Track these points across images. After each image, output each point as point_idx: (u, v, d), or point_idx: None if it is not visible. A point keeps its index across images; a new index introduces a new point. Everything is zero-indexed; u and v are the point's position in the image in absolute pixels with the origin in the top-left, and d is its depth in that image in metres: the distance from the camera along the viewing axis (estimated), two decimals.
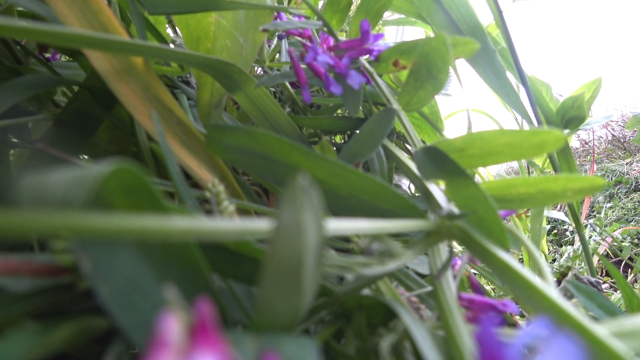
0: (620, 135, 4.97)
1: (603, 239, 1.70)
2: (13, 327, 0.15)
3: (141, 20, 0.35)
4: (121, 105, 0.42)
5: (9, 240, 0.30)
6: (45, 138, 0.39)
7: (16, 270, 0.16)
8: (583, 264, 1.55)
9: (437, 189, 0.29)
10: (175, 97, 0.46)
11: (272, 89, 0.59)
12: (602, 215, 2.52)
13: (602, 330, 0.18)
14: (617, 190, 3.30)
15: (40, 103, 0.44)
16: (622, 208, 2.93)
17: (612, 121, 4.89)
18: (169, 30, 0.60)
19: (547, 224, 2.69)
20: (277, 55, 0.59)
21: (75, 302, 0.17)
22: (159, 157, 0.36)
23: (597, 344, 0.17)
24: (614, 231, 2.14)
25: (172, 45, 0.52)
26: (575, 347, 0.13)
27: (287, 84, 0.52)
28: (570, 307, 0.18)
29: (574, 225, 0.67)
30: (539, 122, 0.53)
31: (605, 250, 1.81)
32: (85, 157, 0.49)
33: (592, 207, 3.15)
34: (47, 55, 0.53)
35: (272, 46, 0.59)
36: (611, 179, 3.46)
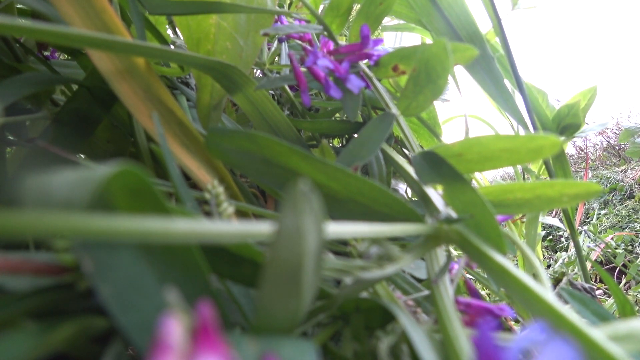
0: (615, 142, 5.01)
1: (597, 245, 1.71)
2: (13, 326, 0.15)
3: (141, 20, 0.35)
4: (120, 105, 0.42)
5: (3, 239, 0.30)
6: (43, 136, 0.39)
7: (16, 268, 0.16)
8: (577, 270, 1.56)
9: (435, 194, 0.29)
10: (175, 98, 0.46)
11: (272, 92, 0.60)
12: (594, 221, 2.54)
13: (598, 333, 0.18)
14: (612, 197, 3.33)
15: (39, 101, 0.44)
16: (617, 215, 2.95)
17: (608, 129, 4.94)
18: (169, 31, 0.61)
19: (542, 230, 2.70)
20: (277, 58, 0.59)
21: (75, 301, 0.17)
22: (157, 157, 0.37)
23: (594, 347, 0.18)
24: (606, 237, 2.15)
25: (172, 46, 0.52)
26: (572, 351, 0.13)
27: (287, 87, 0.52)
28: (566, 310, 0.19)
29: (568, 231, 0.67)
30: (535, 129, 0.54)
31: (599, 256, 1.83)
32: (83, 156, 0.49)
33: (587, 214, 3.17)
34: (46, 53, 0.53)
35: (272, 49, 0.60)
36: (606, 185, 3.48)
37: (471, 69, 0.47)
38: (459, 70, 0.51)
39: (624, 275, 1.86)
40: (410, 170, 0.34)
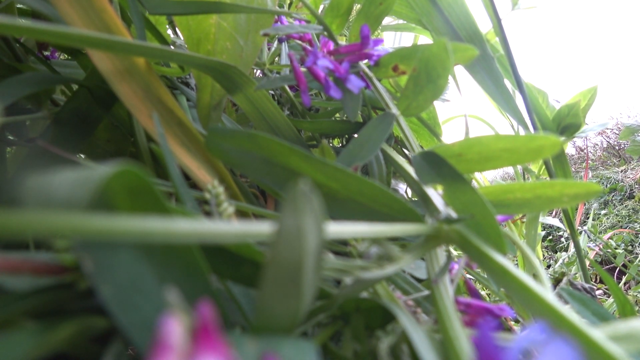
0: (616, 143, 5.02)
1: (597, 245, 1.72)
2: (13, 326, 0.15)
3: (141, 20, 0.35)
4: (120, 105, 0.42)
5: (3, 239, 0.30)
6: (43, 136, 0.39)
7: (16, 268, 0.16)
8: (574, 269, 1.56)
9: (435, 194, 0.29)
10: (175, 98, 0.46)
11: (272, 92, 0.60)
12: (591, 220, 2.54)
13: (598, 333, 0.18)
14: (612, 197, 3.33)
15: (39, 101, 0.44)
16: (617, 215, 2.96)
17: (608, 129, 4.94)
18: (169, 31, 0.61)
19: (542, 230, 2.70)
20: (277, 58, 0.59)
21: (75, 301, 0.17)
22: (157, 157, 0.37)
23: (594, 347, 0.18)
24: (605, 236, 2.16)
25: (172, 46, 0.52)
26: (572, 351, 0.13)
27: (287, 87, 0.52)
28: (567, 310, 0.19)
29: (568, 231, 0.67)
30: (535, 129, 0.54)
31: (597, 256, 1.83)
32: (83, 156, 0.49)
33: (587, 214, 3.18)
34: (46, 53, 0.53)
35: (272, 49, 0.60)
36: (606, 186, 3.48)
37: (471, 69, 0.47)
38: (459, 70, 0.51)
39: (624, 275, 1.86)
40: (410, 170, 0.34)
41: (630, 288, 1.75)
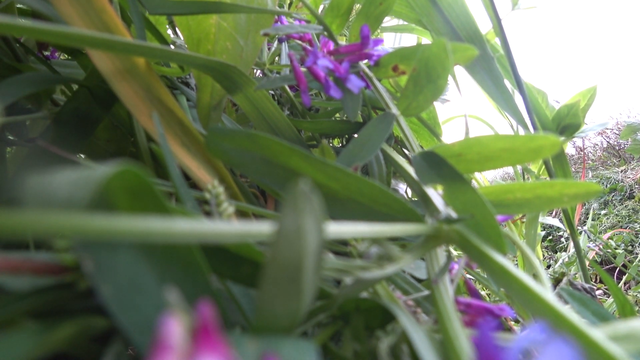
0: (615, 143, 5.02)
1: (597, 245, 1.72)
2: (13, 326, 0.15)
3: (141, 20, 0.35)
4: (120, 105, 0.42)
5: (3, 239, 0.30)
6: (43, 136, 0.39)
7: (16, 268, 0.16)
8: (574, 268, 1.56)
9: (435, 194, 0.29)
10: (175, 98, 0.46)
11: (272, 92, 0.60)
12: (590, 220, 2.54)
13: (598, 333, 0.18)
14: (612, 197, 3.33)
15: (39, 101, 0.44)
16: (617, 215, 2.96)
17: (607, 129, 4.94)
18: (169, 31, 0.61)
19: (542, 230, 2.70)
20: (277, 58, 0.59)
21: (75, 301, 0.17)
22: (157, 157, 0.37)
23: (594, 347, 0.18)
24: (604, 236, 2.16)
25: (172, 46, 0.52)
26: (572, 351, 0.13)
27: (287, 87, 0.52)
28: (567, 310, 0.19)
29: (568, 231, 0.67)
30: (535, 129, 0.54)
31: (596, 256, 1.83)
32: (83, 156, 0.49)
33: (587, 214, 3.18)
34: (46, 53, 0.53)
35: (273, 49, 0.60)
36: (606, 186, 3.48)
37: (471, 69, 0.47)
38: (459, 70, 0.51)
39: (624, 275, 1.86)
40: (410, 170, 0.34)
41: (630, 288, 1.75)
